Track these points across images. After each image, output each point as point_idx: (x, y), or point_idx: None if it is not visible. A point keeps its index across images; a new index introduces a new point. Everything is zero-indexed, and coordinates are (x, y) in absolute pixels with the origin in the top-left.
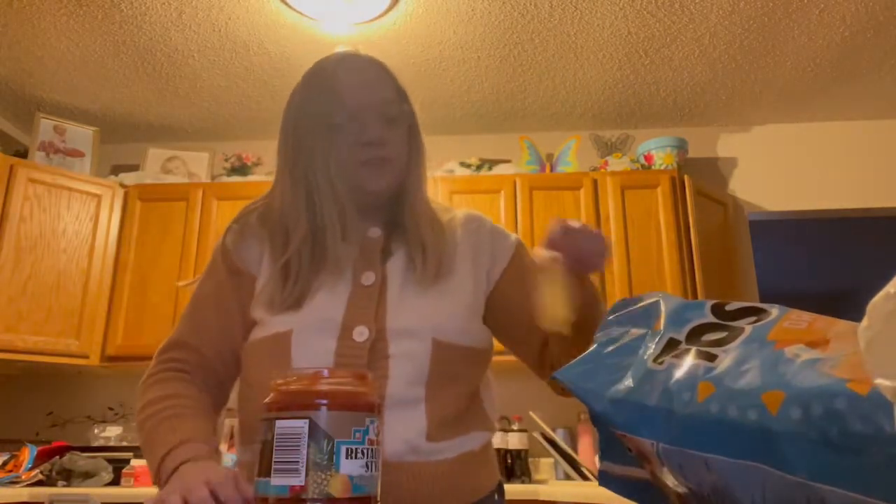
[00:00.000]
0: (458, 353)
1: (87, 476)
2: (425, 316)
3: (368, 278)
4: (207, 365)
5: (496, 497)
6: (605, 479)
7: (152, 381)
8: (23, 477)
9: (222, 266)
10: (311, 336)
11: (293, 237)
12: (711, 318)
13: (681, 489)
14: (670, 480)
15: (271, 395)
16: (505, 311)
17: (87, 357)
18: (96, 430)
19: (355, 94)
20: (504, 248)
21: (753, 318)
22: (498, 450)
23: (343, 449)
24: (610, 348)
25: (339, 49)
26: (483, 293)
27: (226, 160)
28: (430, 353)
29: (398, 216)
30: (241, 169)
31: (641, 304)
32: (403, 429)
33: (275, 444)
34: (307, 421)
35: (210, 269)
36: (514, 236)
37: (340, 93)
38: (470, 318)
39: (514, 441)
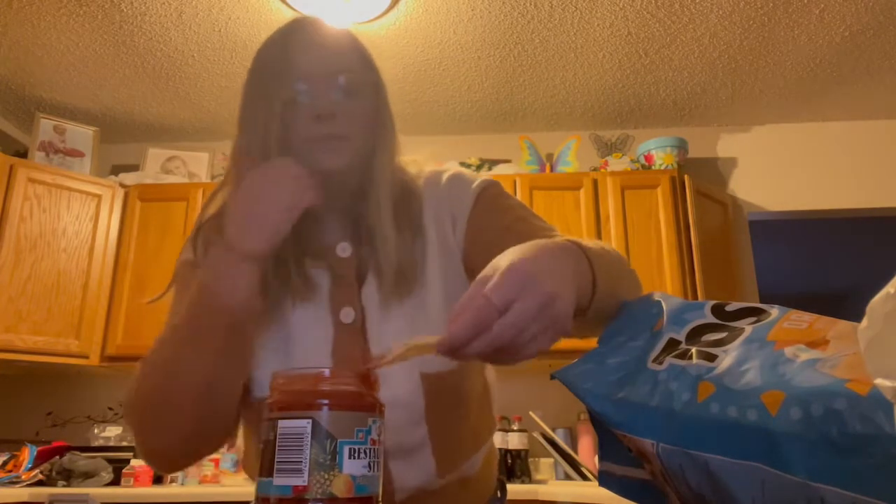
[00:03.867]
0: (452, 376)
1: (87, 476)
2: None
3: (348, 315)
4: None
5: (498, 494)
6: (605, 479)
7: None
8: (23, 477)
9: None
10: None
11: None
12: (711, 319)
13: (681, 489)
14: (670, 481)
15: (273, 394)
16: (485, 259)
17: (87, 357)
18: (96, 430)
19: (306, 62)
20: (463, 200)
21: (753, 319)
22: (498, 450)
23: (346, 449)
24: (610, 348)
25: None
26: (458, 267)
27: (226, 160)
28: (421, 390)
29: (364, 218)
30: None
31: (641, 304)
32: (411, 477)
33: (277, 443)
34: (310, 421)
35: (184, 287)
36: (477, 182)
37: (290, 62)
38: None
39: (514, 441)
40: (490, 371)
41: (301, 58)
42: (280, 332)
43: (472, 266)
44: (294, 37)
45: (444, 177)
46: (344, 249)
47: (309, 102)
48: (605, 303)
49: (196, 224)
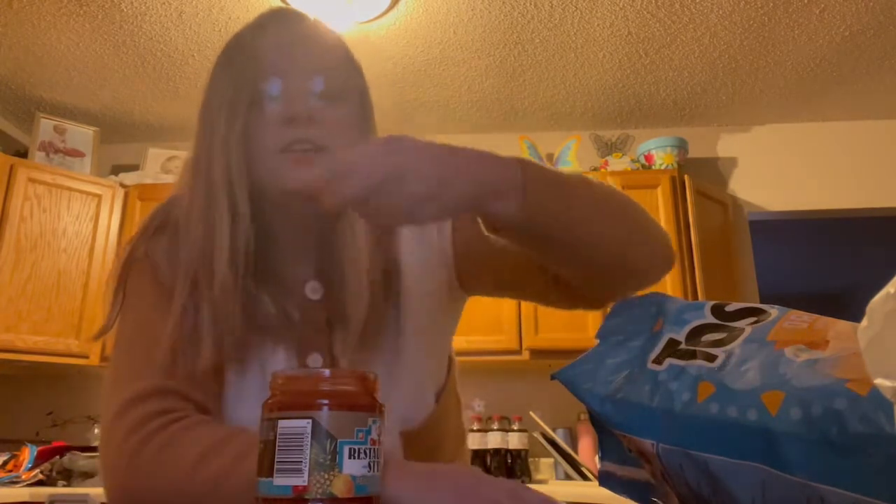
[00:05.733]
0: (431, 425)
1: (87, 476)
2: (388, 410)
3: (315, 362)
4: (206, 412)
5: None
6: (605, 479)
7: (164, 440)
8: (23, 477)
9: (156, 283)
10: None
11: (219, 283)
12: (711, 319)
13: (681, 489)
14: (670, 481)
15: (273, 395)
16: (482, 265)
17: (87, 357)
18: (96, 430)
19: (282, 57)
20: None
21: (753, 319)
22: (498, 450)
23: (346, 449)
24: (610, 349)
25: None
26: (441, 287)
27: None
28: (400, 449)
29: (336, 255)
30: None
31: (641, 304)
32: None
33: (277, 444)
34: (310, 421)
35: (143, 289)
36: None
37: (263, 55)
38: (433, 368)
39: (514, 441)
40: (454, 383)
41: (275, 52)
42: (260, 376)
43: (464, 266)
44: (269, 29)
45: None
46: (314, 290)
47: (281, 104)
48: (548, 218)
49: (160, 216)
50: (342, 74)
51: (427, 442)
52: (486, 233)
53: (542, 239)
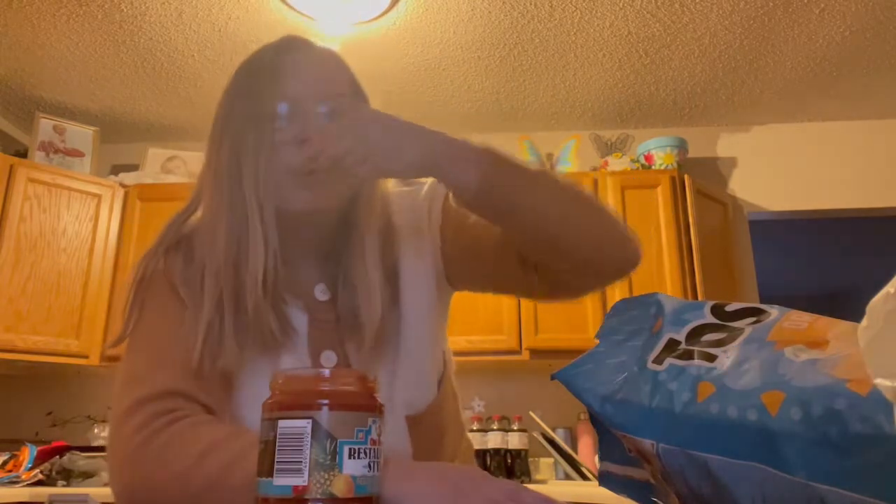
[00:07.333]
0: (434, 411)
1: (86, 476)
2: (393, 396)
3: (329, 359)
4: (213, 414)
5: None
6: (605, 479)
7: (167, 437)
8: (23, 477)
9: (173, 295)
10: None
11: (251, 308)
12: (711, 319)
13: (681, 489)
14: (670, 481)
15: (273, 395)
16: (467, 253)
17: (87, 357)
18: (96, 430)
19: (297, 82)
20: (438, 200)
21: (753, 319)
22: (498, 450)
23: (346, 449)
24: (610, 349)
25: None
26: (432, 284)
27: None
28: (406, 433)
29: (345, 261)
30: None
31: (641, 304)
32: None
33: (277, 444)
34: (310, 421)
35: (159, 299)
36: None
37: (278, 79)
38: (432, 355)
39: (514, 441)
40: (451, 375)
41: (288, 77)
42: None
43: (451, 253)
44: (282, 55)
45: (423, 191)
46: (323, 292)
47: (295, 126)
48: (509, 190)
49: (174, 233)
50: (349, 97)
51: (431, 428)
52: (454, 203)
53: (507, 213)
